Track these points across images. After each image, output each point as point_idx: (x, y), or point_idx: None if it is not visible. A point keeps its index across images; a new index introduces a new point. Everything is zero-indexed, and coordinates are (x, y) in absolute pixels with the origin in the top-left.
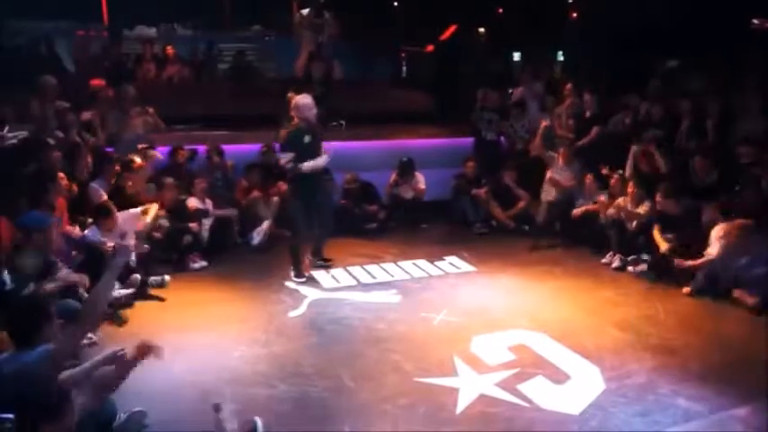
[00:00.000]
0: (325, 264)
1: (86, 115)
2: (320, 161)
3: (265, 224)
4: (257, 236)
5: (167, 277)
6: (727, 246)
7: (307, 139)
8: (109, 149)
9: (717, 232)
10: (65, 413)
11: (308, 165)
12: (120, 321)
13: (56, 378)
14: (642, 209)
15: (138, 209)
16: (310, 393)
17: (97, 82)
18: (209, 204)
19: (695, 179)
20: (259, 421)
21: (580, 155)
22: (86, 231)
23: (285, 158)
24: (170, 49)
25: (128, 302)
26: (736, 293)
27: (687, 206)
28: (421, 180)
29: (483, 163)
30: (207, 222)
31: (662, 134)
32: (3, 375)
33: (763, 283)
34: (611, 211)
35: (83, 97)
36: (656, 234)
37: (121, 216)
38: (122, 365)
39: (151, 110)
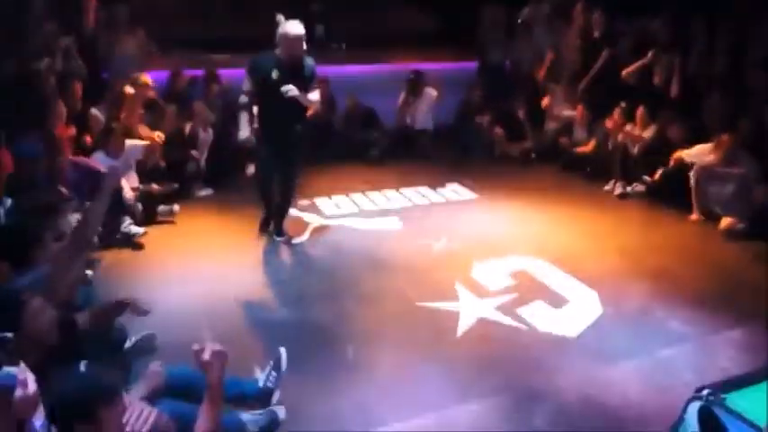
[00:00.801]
0: (283, 238)
1: (63, 42)
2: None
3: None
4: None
5: (176, 207)
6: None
7: (275, 74)
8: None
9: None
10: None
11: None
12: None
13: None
14: (648, 132)
15: (142, 142)
16: (313, 318)
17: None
18: (209, 133)
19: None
20: (283, 352)
21: (591, 85)
22: (95, 154)
23: (244, 87)
24: None
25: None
26: (724, 222)
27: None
28: (433, 92)
29: (487, 89)
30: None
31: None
32: None
33: (732, 202)
34: (619, 136)
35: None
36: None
37: (129, 143)
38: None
39: (141, 32)
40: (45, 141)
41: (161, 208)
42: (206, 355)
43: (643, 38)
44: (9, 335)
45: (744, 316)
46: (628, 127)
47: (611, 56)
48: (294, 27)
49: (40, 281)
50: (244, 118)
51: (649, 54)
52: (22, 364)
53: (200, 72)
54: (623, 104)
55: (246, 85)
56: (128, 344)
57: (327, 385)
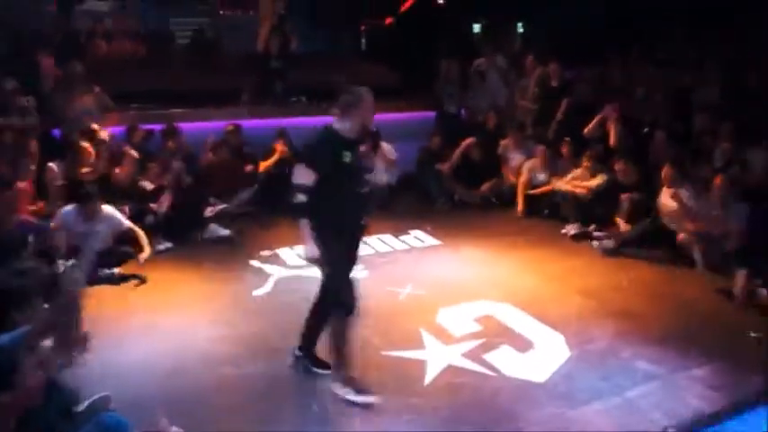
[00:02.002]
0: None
1: (21, 101)
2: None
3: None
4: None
5: (117, 270)
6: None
7: (347, 156)
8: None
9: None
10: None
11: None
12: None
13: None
14: (596, 181)
15: (128, 223)
16: (279, 371)
17: (46, 59)
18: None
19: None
20: None
21: (558, 129)
22: (65, 209)
23: (299, 180)
24: (122, 25)
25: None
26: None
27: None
28: (390, 151)
29: (445, 137)
30: (164, 203)
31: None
32: None
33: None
34: (564, 186)
35: (31, 75)
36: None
37: (107, 209)
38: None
39: (97, 89)
40: None
41: (103, 272)
42: None
43: (597, 85)
44: None
45: (709, 353)
46: (577, 172)
47: (569, 104)
48: (370, 93)
49: (19, 341)
50: (306, 228)
51: (606, 107)
52: None
53: (157, 126)
54: (568, 140)
55: (307, 176)
56: (81, 407)
57: None
